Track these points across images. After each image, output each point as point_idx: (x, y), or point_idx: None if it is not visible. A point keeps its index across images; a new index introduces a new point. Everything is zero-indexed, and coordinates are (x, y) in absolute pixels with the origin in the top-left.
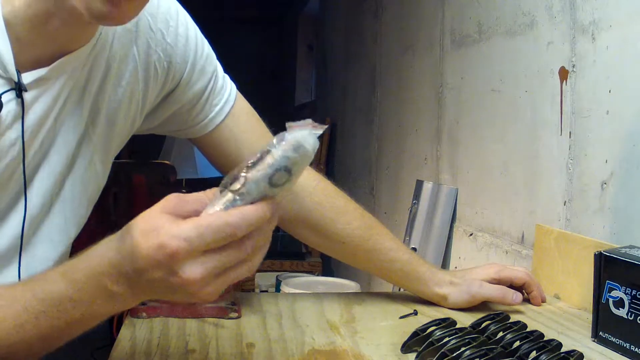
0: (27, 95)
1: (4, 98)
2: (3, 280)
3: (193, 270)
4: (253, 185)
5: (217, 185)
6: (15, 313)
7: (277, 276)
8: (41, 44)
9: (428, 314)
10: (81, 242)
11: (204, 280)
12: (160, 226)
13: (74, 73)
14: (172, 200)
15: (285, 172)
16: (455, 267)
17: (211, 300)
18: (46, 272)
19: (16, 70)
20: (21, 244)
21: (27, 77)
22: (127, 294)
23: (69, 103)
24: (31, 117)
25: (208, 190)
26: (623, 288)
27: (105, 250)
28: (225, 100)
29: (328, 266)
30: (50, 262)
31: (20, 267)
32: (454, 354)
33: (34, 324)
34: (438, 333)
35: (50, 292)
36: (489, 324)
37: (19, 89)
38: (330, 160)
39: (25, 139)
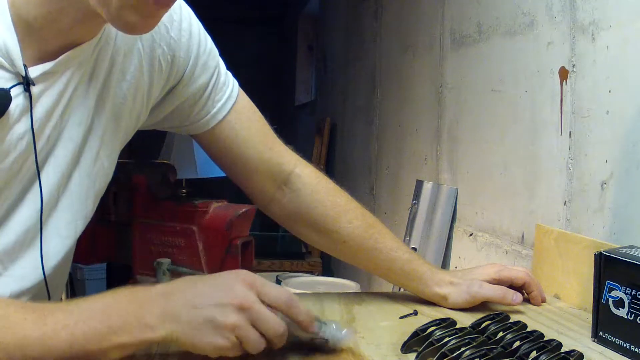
0: (35, 89)
1: (13, 92)
2: (14, 275)
3: (236, 319)
4: (303, 333)
5: (217, 184)
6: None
7: (277, 276)
8: (52, 40)
9: (428, 314)
10: (81, 241)
11: (234, 325)
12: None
13: (80, 67)
14: None
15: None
16: (455, 267)
17: (223, 349)
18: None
19: (23, 64)
20: (41, 236)
21: (33, 71)
22: (157, 317)
23: (75, 97)
24: (39, 110)
25: None
26: (623, 288)
27: (149, 286)
28: (228, 97)
29: (328, 266)
30: (59, 257)
31: (43, 260)
32: (454, 354)
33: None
34: (438, 333)
35: (94, 327)
36: (489, 324)
37: (26, 83)
38: (330, 160)
39: (34, 133)
